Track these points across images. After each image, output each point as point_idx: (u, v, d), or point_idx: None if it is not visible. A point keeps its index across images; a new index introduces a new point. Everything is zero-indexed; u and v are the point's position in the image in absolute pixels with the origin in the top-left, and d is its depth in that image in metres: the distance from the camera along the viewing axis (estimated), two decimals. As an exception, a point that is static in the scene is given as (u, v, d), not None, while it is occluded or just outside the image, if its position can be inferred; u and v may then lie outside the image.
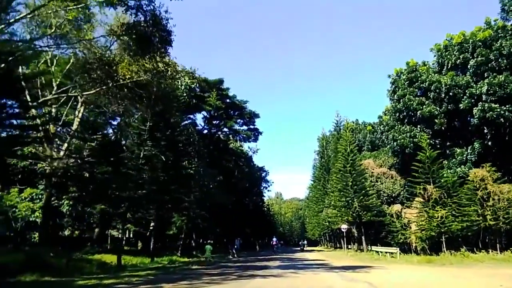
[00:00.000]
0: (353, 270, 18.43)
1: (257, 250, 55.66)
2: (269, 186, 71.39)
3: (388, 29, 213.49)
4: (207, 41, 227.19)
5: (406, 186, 42.62)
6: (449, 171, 32.55)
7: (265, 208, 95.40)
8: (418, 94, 38.37)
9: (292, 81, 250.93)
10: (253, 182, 66.35)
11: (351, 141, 38.23)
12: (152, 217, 27.62)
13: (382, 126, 41.64)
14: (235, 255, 32.81)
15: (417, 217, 31.57)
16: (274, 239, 48.24)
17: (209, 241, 28.92)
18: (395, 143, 37.75)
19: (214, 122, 42.21)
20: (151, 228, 35.81)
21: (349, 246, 53.04)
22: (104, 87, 17.34)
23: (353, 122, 56.68)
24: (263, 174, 68.11)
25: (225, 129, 46.25)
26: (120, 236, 48.62)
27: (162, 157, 23.39)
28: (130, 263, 23.72)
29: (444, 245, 27.32)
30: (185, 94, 31.94)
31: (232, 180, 47.33)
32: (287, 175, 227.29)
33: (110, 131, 28.50)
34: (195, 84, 35.79)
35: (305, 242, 78.05)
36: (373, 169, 45.29)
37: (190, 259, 31.04)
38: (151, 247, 26.89)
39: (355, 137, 51.36)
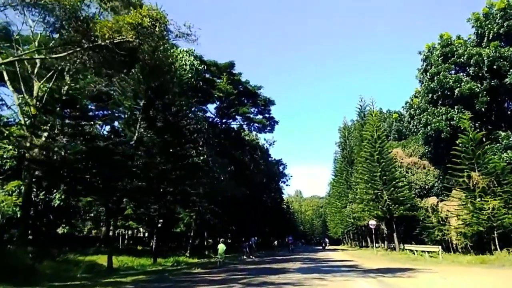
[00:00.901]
0: (393, 275, 14.56)
1: (276, 249, 51.71)
2: (287, 180, 67.32)
3: (413, 6, 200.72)
4: (216, 23, 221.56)
5: (441, 177, 38.32)
6: (493, 157, 27.96)
7: (285, 206, 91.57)
8: (454, 71, 33.82)
9: (309, 67, 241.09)
10: (271, 177, 62.63)
11: (378, 126, 34.02)
12: (155, 213, 24.34)
13: (412, 110, 37.18)
14: (250, 255, 29.23)
15: (458, 210, 27.25)
16: (290, 237, 44.37)
17: (222, 239, 25.07)
18: (428, 127, 33.33)
19: (226, 110, 38.55)
20: (159, 225, 32.77)
21: (377, 245, 48.72)
22: (78, 49, 14.01)
23: (378, 111, 52.21)
24: (280, 168, 64.14)
25: (238, 118, 42.59)
26: (131, 235, 46.17)
27: (158, 139, 19.90)
28: (126, 266, 20.52)
29: (497, 242, 22.91)
30: (190, 75, 28.51)
31: (247, 173, 43.73)
32: (307, 171, 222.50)
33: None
34: (202, 66, 32.33)
35: (327, 240, 73.90)
36: (402, 159, 40.95)
37: (201, 260, 27.73)
38: (153, 246, 23.56)
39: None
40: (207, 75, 35.17)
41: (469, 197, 25.20)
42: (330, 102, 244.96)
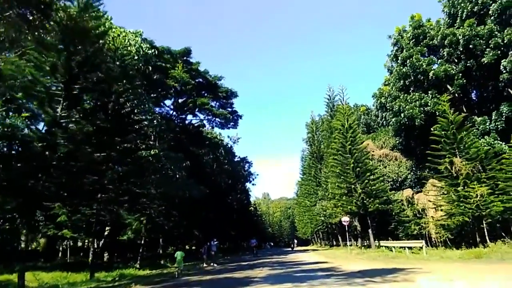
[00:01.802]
0: (382, 278, 11.54)
1: (240, 254, 48.00)
2: (253, 179, 63.94)
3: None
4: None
5: (413, 168, 36.40)
6: (478, 140, 25.96)
7: (252, 208, 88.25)
8: (427, 54, 31.84)
9: (270, 56, 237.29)
10: (236, 178, 59.13)
11: (349, 115, 31.37)
12: (93, 219, 20.12)
13: (383, 98, 34.92)
14: (211, 263, 25.39)
15: (439, 200, 24.98)
16: (253, 240, 40.72)
17: (179, 246, 21.12)
18: (402, 114, 31.06)
19: (182, 102, 34.43)
20: (106, 233, 28.32)
21: (349, 243, 46.31)
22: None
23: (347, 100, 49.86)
24: (246, 166, 60.71)
25: (198, 114, 38.67)
26: (82, 246, 40.92)
27: (87, 124, 15.77)
28: (48, 285, 16.22)
29: (486, 233, 20.58)
30: (136, 58, 24.47)
31: (207, 171, 40.11)
32: (274, 172, 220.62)
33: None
34: (153, 51, 28.33)
35: (295, 241, 71.35)
36: (373, 151, 38.70)
37: (153, 271, 23.70)
38: (91, 259, 19.32)
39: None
40: (160, 63, 31.03)
41: (451, 185, 22.82)
42: (296, 96, 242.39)
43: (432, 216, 28.72)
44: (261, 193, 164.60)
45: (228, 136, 58.03)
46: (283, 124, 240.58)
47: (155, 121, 27.18)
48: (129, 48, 23.91)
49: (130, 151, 20.71)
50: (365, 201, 29.01)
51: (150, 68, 26.74)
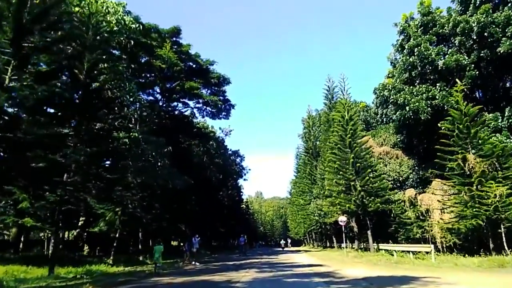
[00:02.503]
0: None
1: (229, 252, 45.35)
2: (245, 173, 61.38)
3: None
4: None
5: (416, 167, 34.05)
6: (495, 135, 23.71)
7: (244, 205, 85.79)
8: (436, 43, 29.50)
9: (266, 43, 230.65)
10: (228, 173, 56.53)
11: (350, 106, 28.97)
12: (55, 205, 17.54)
13: (386, 91, 32.49)
14: (193, 261, 22.81)
15: (450, 200, 22.65)
16: (242, 238, 38.05)
17: (158, 240, 18.60)
18: (407, 108, 28.68)
19: (169, 85, 31.62)
20: (80, 224, 25.72)
21: (344, 245, 43.99)
22: None
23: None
24: (238, 160, 58.14)
25: (187, 101, 36.01)
26: (67, 238, 38.01)
27: (39, 87, 13.09)
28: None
29: (504, 239, 18.22)
30: (116, 29, 21.79)
31: (195, 161, 37.45)
32: (266, 171, 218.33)
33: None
34: (138, 27, 25.67)
35: (288, 241, 69.05)
36: (373, 149, 36.30)
37: (127, 268, 21.13)
38: (50, 251, 16.77)
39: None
40: (145, 40, 28.29)
41: (464, 184, 20.46)
42: (292, 89, 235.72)
43: (441, 219, 26.50)
44: (254, 191, 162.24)
45: (220, 128, 55.30)
46: (277, 119, 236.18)
47: (137, 104, 24.53)
48: (107, 17, 21.25)
49: (102, 131, 18.09)
50: (364, 200, 26.65)
51: (133, 43, 24.07)
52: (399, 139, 37.56)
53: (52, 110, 18.03)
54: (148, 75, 33.54)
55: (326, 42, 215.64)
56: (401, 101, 29.32)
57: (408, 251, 23.16)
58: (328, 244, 53.56)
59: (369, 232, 27.56)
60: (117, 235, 22.91)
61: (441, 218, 26.53)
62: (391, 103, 32.65)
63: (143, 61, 31.49)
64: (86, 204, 19.22)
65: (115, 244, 22.83)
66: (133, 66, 28.84)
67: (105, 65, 19.88)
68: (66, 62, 17.13)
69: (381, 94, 33.22)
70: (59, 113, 16.43)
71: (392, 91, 31.29)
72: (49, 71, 14.36)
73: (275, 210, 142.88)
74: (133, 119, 24.35)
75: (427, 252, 21.28)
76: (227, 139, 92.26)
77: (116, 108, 20.19)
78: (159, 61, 30.32)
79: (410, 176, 33.83)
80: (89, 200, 18.55)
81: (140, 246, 27.40)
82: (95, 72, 17.93)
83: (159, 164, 23.75)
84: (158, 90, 32.75)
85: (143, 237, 27.50)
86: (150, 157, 23.03)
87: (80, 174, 16.90)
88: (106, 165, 19.14)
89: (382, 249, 27.62)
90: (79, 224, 26.94)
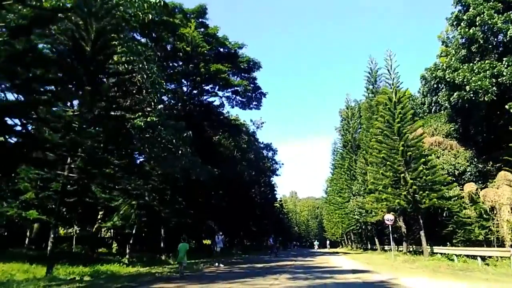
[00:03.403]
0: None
1: (260, 253, 42.11)
2: (278, 168, 57.96)
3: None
4: None
5: (475, 159, 29.54)
6: None
7: (278, 204, 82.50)
8: (502, 11, 24.97)
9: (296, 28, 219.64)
10: (260, 168, 53.48)
11: (398, 86, 25.04)
12: (57, 194, 15.33)
13: (439, 71, 28.16)
14: (217, 262, 19.89)
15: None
16: (271, 238, 34.48)
17: (183, 237, 15.74)
18: (467, 87, 24.41)
19: (191, 66, 28.81)
20: (99, 218, 23.61)
21: (387, 247, 39.78)
22: None
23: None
24: (270, 154, 54.91)
25: (215, 90, 33.23)
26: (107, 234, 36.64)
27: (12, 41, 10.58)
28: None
29: None
30: (136, 4, 19.37)
31: (224, 154, 34.67)
32: (302, 170, 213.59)
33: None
34: (159, 2, 23.20)
35: (327, 242, 65.44)
36: (424, 137, 32.07)
37: (144, 268, 18.71)
38: (49, 248, 14.44)
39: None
40: (167, 18, 25.78)
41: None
42: (329, 80, 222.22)
43: (504, 219, 22.21)
44: (289, 191, 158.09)
45: (251, 120, 52.43)
46: (309, 109, 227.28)
47: (157, 86, 21.98)
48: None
49: (110, 110, 15.62)
50: (416, 195, 22.71)
51: (150, 17, 21.57)
52: (452, 128, 33.13)
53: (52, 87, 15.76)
54: (176, 64, 31.27)
55: (365, 26, 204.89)
56: (459, 80, 25.08)
57: (473, 256, 19.22)
58: (369, 246, 49.22)
59: (421, 233, 23.56)
60: (133, 231, 20.53)
61: (499, 218, 22.52)
62: (445, 84, 28.44)
63: (168, 47, 29.22)
64: (93, 194, 16.77)
65: (131, 242, 20.45)
66: (158, 53, 26.61)
67: (116, 36, 17.44)
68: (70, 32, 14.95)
69: (434, 75, 28.95)
70: (59, 88, 14.10)
71: (448, 71, 26.99)
72: (26, 25, 11.83)
73: (310, 210, 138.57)
74: (152, 104, 21.88)
75: (499, 258, 17.32)
76: (258, 132, 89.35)
77: (130, 88, 17.74)
78: (184, 43, 27.81)
79: (467, 169, 29.33)
80: (95, 189, 16.08)
81: (162, 244, 24.90)
82: (103, 43, 15.54)
83: (179, 152, 21.10)
84: (180, 72, 30.14)
85: (166, 234, 24.96)
86: (169, 143, 20.41)
87: (84, 159, 14.50)
88: (111, 148, 16.57)
89: (437, 253, 23.62)
90: (98, 219, 24.83)
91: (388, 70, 25.28)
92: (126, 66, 18.31)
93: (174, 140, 20.67)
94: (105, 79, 16.20)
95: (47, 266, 14.24)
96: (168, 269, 18.08)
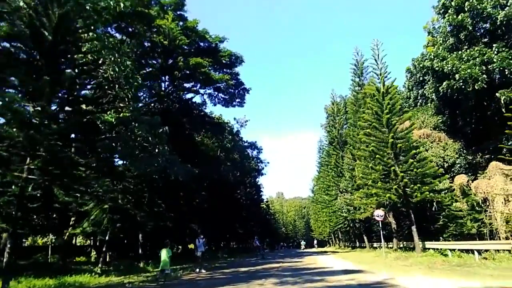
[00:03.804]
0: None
1: (247, 256, 40.45)
2: (263, 167, 56.59)
3: None
4: None
5: (464, 151, 28.88)
6: None
7: (264, 205, 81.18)
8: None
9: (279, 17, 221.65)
10: (245, 169, 52.03)
11: (386, 76, 24.00)
12: (13, 197, 13.67)
13: (427, 61, 27.33)
14: (198, 268, 18.30)
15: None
16: (256, 240, 32.89)
17: (165, 241, 14.04)
18: (457, 76, 23.59)
19: (170, 61, 27.22)
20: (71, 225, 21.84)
21: (376, 244, 38.86)
22: None
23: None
24: (254, 152, 53.52)
25: (197, 88, 31.63)
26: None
27: None
28: None
29: None
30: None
31: (204, 154, 33.10)
32: (287, 171, 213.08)
33: None
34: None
35: (314, 241, 64.67)
36: (413, 128, 31.28)
37: (117, 278, 17.10)
38: (5, 260, 12.74)
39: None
40: (141, 9, 24.16)
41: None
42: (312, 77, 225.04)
43: (497, 211, 21.41)
44: (275, 192, 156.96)
45: (235, 119, 51.09)
46: (292, 106, 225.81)
47: (131, 80, 20.35)
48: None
49: (74, 102, 14.02)
50: (407, 189, 21.69)
51: (122, 5, 19.95)
52: (440, 120, 32.53)
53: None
54: (154, 62, 29.60)
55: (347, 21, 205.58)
56: (448, 68, 24.30)
57: (467, 250, 18.29)
58: (357, 244, 48.31)
59: (413, 228, 22.50)
60: (106, 238, 18.81)
61: (492, 210, 21.82)
62: (433, 75, 27.65)
63: (146, 44, 27.60)
64: (56, 198, 15.08)
65: (104, 249, 18.73)
66: (135, 49, 24.94)
67: (83, 24, 15.89)
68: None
69: (421, 65, 28.13)
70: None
71: (435, 60, 26.18)
72: None
73: (297, 210, 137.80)
74: (126, 99, 20.23)
75: (496, 251, 16.35)
76: (242, 130, 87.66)
77: (102, 83, 16.16)
78: (161, 37, 26.25)
79: (457, 162, 28.63)
80: (57, 192, 14.42)
81: (140, 251, 23.21)
82: (66, 31, 13.97)
83: (156, 150, 19.54)
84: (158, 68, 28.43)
85: (144, 239, 23.29)
86: (144, 141, 18.82)
87: (45, 158, 12.85)
88: (76, 145, 14.97)
89: (429, 248, 22.63)
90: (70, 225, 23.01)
91: (375, 59, 24.21)
92: (95, 57, 16.77)
93: (150, 138, 19.10)
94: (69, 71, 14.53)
95: (2, 280, 12.52)
96: (144, 278, 16.54)
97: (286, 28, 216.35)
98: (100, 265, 18.11)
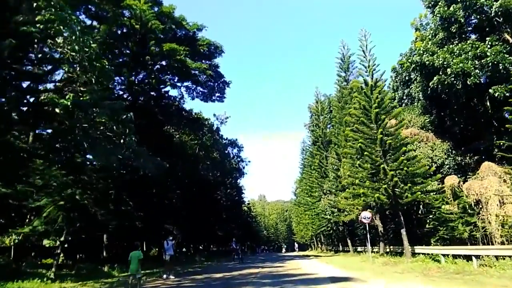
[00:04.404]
0: None
1: (224, 259, 38.19)
2: (244, 166, 54.65)
3: None
4: None
5: (453, 152, 27.76)
6: None
7: (246, 208, 79.17)
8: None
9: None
10: (225, 169, 49.99)
11: (375, 69, 22.51)
12: None
13: (416, 56, 26.08)
14: (165, 273, 16.21)
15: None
16: (233, 243, 30.64)
17: (135, 243, 11.77)
18: (448, 70, 22.34)
19: (141, 46, 24.94)
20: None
21: (358, 249, 37.42)
22: None
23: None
24: (235, 150, 51.52)
25: (168, 78, 29.37)
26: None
27: None
28: None
29: None
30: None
31: (183, 153, 31.01)
32: (269, 173, 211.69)
33: None
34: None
35: (295, 245, 63.05)
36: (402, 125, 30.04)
37: (74, 284, 14.90)
38: None
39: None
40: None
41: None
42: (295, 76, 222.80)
43: (491, 213, 20.15)
44: (257, 195, 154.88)
45: (214, 115, 49.14)
46: (275, 105, 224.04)
47: (94, 62, 18.19)
48: None
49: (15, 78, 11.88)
50: (397, 189, 20.19)
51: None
52: (427, 120, 31.35)
53: None
54: (128, 51, 27.34)
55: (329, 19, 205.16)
56: (439, 63, 23.03)
57: (462, 256, 16.88)
58: (340, 248, 46.82)
59: (402, 231, 21.01)
60: (62, 238, 16.56)
61: (486, 213, 20.56)
62: (421, 71, 26.44)
63: (119, 32, 25.39)
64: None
65: (58, 251, 16.49)
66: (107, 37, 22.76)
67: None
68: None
69: (409, 61, 26.82)
70: None
71: (425, 55, 24.91)
72: None
73: (279, 213, 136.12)
74: (89, 83, 18.03)
75: (496, 257, 14.93)
76: (222, 127, 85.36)
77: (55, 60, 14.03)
78: (133, 20, 24.12)
79: (445, 162, 27.43)
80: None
81: (105, 253, 20.94)
82: None
83: (121, 141, 17.42)
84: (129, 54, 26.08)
85: (110, 240, 21.02)
86: (107, 130, 16.68)
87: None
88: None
89: (418, 253, 21.17)
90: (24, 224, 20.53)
91: (363, 51, 22.70)
92: (47, 29, 14.59)
93: (114, 126, 16.97)
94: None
95: None
96: (102, 285, 14.39)
97: (269, 26, 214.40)
98: (53, 269, 15.82)
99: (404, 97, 38.58)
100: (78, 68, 16.81)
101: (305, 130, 56.65)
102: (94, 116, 14.59)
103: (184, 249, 47.37)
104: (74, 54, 16.06)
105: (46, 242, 35.98)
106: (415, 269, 15.95)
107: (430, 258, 19.70)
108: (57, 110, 14.60)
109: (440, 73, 23.32)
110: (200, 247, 52.66)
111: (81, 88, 16.79)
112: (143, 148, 17.77)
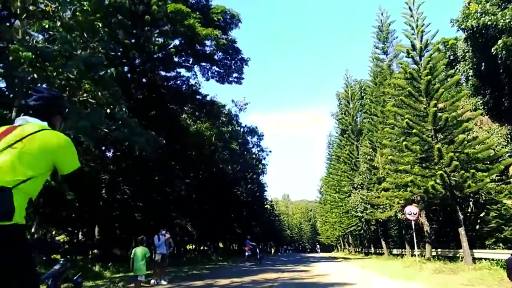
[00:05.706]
0: None
1: (240, 259, 33.96)
2: (265, 157, 50.64)
3: None
4: None
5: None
6: None
7: (268, 206, 75.23)
8: None
9: None
10: (246, 162, 46.23)
11: (423, 31, 18.17)
12: None
13: (473, 20, 21.50)
14: (158, 276, 12.54)
15: None
16: (248, 241, 26.79)
17: (140, 238, 8.11)
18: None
19: (142, 7, 21.13)
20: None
21: (395, 251, 32.88)
22: None
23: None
24: (254, 139, 47.53)
25: (188, 63, 25.80)
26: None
27: None
28: None
29: None
30: None
31: (198, 142, 27.50)
32: (293, 172, 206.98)
33: None
34: None
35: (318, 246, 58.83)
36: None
37: None
38: None
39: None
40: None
41: None
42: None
43: None
44: (281, 194, 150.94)
45: (233, 101, 45.49)
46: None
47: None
48: None
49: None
50: (455, 176, 15.87)
51: None
52: (480, 102, 26.60)
53: None
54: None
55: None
56: (505, 22, 18.44)
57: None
58: (372, 250, 42.17)
59: (461, 231, 16.62)
60: (32, 230, 13.29)
61: None
62: (478, 38, 21.83)
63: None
64: None
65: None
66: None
67: None
68: None
69: (466, 22, 22.23)
70: None
71: (484, 17, 20.36)
72: None
73: (303, 213, 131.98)
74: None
75: None
76: (241, 114, 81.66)
77: None
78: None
79: (507, 149, 22.80)
80: None
81: (96, 250, 17.63)
82: None
83: (108, 110, 14.00)
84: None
85: (102, 234, 17.63)
86: (89, 94, 13.25)
87: None
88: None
89: (480, 258, 16.77)
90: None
91: (409, 8, 18.41)
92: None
93: (98, 92, 13.51)
94: None
95: None
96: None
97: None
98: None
99: (448, 79, 33.85)
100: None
101: (333, 121, 51.93)
102: (61, 71, 11.10)
103: (202, 247, 44.21)
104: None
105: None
106: (485, 280, 11.72)
107: (496, 265, 15.34)
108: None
109: (506, 35, 18.73)
110: (220, 245, 49.34)
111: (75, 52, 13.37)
112: (134, 119, 14.24)
